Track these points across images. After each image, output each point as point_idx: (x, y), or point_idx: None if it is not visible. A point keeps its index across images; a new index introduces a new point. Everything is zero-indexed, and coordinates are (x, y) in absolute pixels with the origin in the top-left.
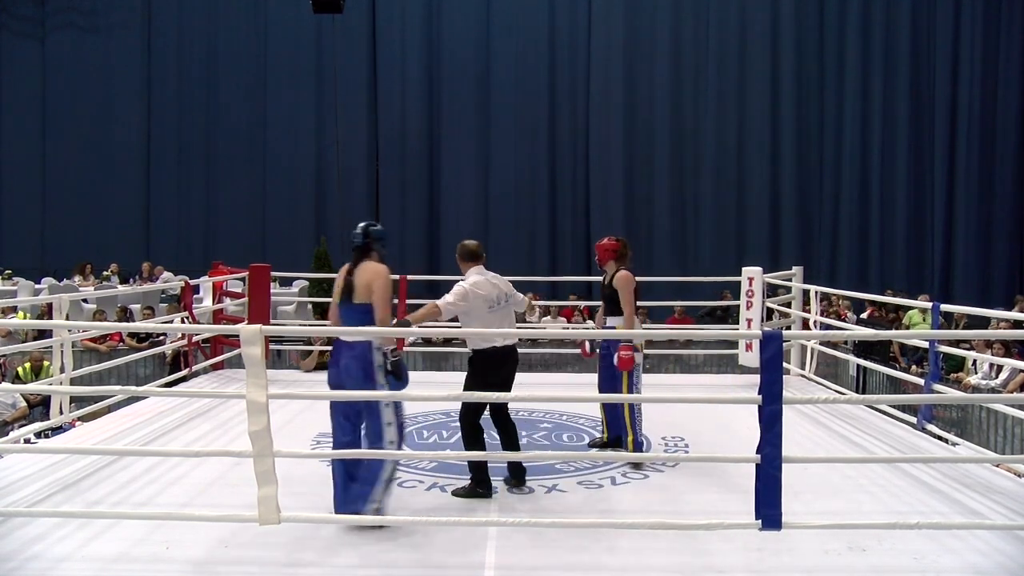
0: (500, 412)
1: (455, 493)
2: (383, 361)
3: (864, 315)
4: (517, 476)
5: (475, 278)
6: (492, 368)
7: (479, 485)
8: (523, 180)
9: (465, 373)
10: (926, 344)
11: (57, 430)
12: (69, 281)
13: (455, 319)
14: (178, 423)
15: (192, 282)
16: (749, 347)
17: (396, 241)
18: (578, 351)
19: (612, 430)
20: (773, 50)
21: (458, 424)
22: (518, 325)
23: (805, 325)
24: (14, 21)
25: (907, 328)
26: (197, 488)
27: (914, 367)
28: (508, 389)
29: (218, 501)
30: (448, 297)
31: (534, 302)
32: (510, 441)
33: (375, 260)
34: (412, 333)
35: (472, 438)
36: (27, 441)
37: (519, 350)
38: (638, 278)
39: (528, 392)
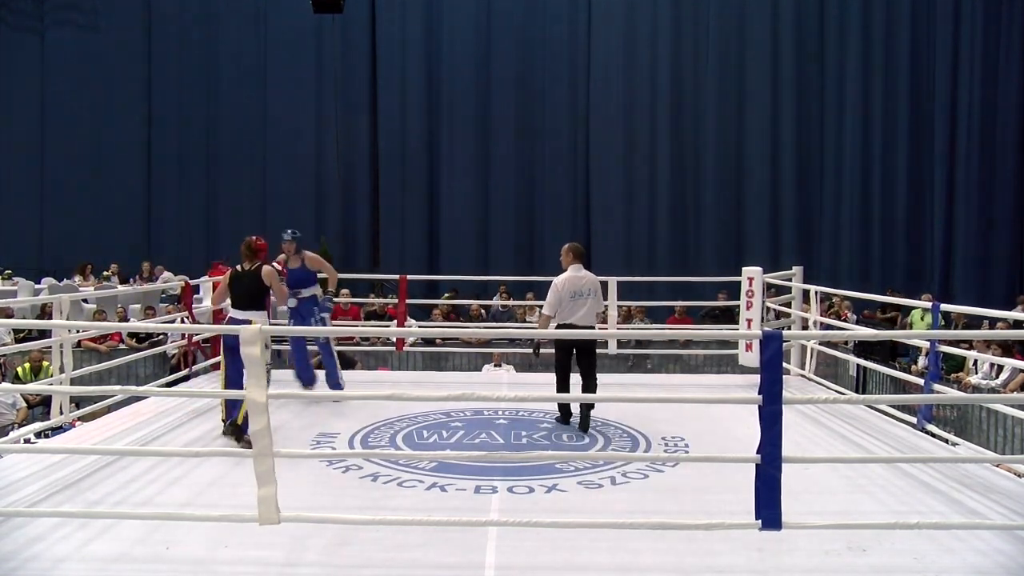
0: None
1: None
2: None
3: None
4: None
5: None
6: None
7: None
8: (523, 181)
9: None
10: (926, 344)
11: (57, 430)
12: (69, 281)
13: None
14: (178, 423)
15: (192, 282)
16: (749, 347)
17: (396, 241)
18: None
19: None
20: (773, 50)
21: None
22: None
23: (805, 325)
24: (12, 16)
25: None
26: (197, 488)
27: (913, 366)
28: None
29: (218, 501)
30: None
31: (534, 302)
32: None
33: None
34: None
35: None
36: (27, 441)
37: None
38: (638, 278)
39: (528, 392)
